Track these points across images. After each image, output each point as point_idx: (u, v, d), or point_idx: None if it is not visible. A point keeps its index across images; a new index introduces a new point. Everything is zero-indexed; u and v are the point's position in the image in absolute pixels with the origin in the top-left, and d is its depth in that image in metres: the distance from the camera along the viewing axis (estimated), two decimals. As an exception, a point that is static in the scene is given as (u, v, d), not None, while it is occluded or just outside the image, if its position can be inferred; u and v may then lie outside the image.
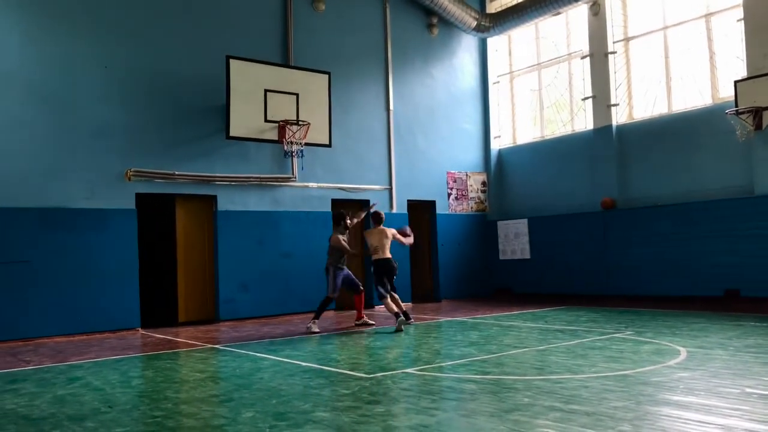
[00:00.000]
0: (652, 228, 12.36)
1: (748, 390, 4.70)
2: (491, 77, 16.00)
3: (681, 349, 6.59)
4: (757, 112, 10.75)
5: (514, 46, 15.96)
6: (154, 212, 11.96)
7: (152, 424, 4.34)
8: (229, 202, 11.72)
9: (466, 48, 15.75)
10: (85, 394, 5.43)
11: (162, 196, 11.28)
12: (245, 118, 11.20)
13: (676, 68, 12.71)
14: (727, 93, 11.69)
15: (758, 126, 10.80)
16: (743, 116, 10.89)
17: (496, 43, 16.07)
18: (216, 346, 8.39)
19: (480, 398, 4.83)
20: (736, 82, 11.09)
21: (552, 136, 14.95)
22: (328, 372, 6.11)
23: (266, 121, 11.40)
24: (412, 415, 4.29)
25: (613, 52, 13.45)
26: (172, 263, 11.53)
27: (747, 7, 11.20)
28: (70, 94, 10.29)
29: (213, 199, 11.66)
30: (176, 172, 11.10)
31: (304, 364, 6.59)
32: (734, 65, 11.72)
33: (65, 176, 10.14)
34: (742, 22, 11.30)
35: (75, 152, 10.25)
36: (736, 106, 10.97)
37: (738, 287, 11.08)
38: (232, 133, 11.09)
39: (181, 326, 11.00)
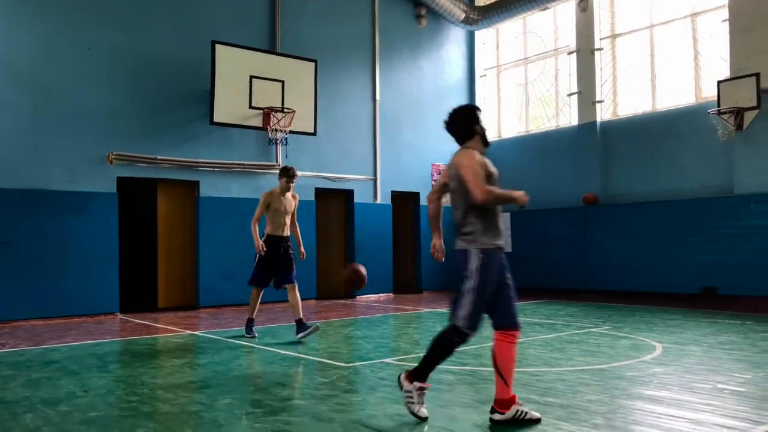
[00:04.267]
0: (633, 225, 12.48)
1: (720, 386, 4.78)
2: (478, 70, 16.01)
3: (657, 344, 6.68)
4: (738, 113, 10.86)
5: (502, 40, 15.97)
6: (136, 197, 11.86)
7: (127, 409, 4.32)
8: (211, 188, 11.65)
9: (454, 40, 15.73)
10: (60, 377, 5.39)
11: (144, 181, 11.18)
12: (230, 104, 11.12)
13: (661, 67, 12.80)
14: (710, 93, 11.80)
15: (739, 126, 10.92)
16: (725, 116, 11.00)
17: (484, 36, 16.07)
18: (195, 332, 8.35)
19: (457, 389, 4.86)
20: (719, 83, 11.19)
21: (537, 131, 15.00)
22: (307, 360, 6.12)
23: (251, 107, 11.33)
24: (389, 404, 4.31)
25: (600, 49, 13.51)
26: (153, 248, 11.45)
27: (732, 8, 11.29)
28: (53, 76, 10.15)
29: (195, 184, 11.58)
30: (158, 157, 11.00)
31: (283, 352, 6.58)
32: (718, 65, 11.82)
33: (46, 158, 10.01)
34: (727, 22, 11.39)
35: (57, 134, 10.12)
36: (719, 106, 11.07)
37: (715, 285, 11.23)
38: (216, 119, 11.01)
39: (160, 312, 10.94)
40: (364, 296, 13.44)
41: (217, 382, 5.13)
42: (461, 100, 15.81)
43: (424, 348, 6.93)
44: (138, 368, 5.83)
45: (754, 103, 10.69)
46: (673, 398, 4.40)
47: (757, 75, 10.67)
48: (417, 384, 3.89)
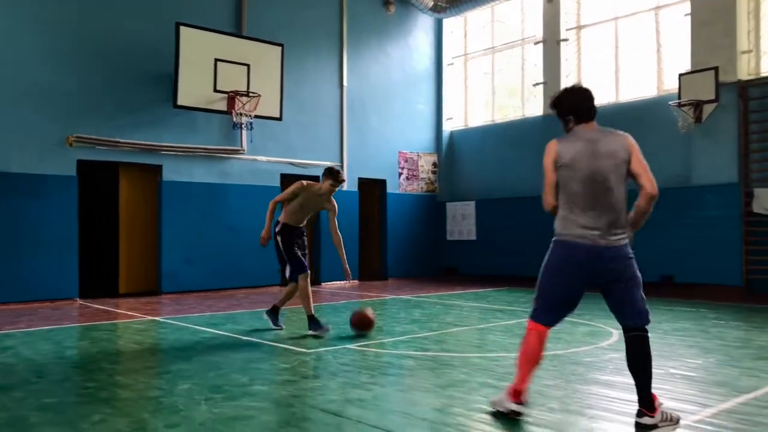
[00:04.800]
0: (595, 214, 12.67)
1: (672, 371, 4.92)
2: (446, 59, 16.03)
3: (614, 331, 6.83)
4: (698, 105, 11.10)
5: (470, 29, 16.01)
6: (97, 180, 11.62)
7: (84, 395, 4.26)
8: (174, 172, 11.48)
9: (422, 27, 15.72)
10: (15, 363, 5.28)
11: (105, 164, 10.96)
12: (194, 88, 10.95)
13: (624, 58, 12.99)
14: (671, 85, 12.02)
15: (698, 119, 11.17)
16: (685, 108, 11.23)
17: (452, 24, 16.09)
18: (156, 318, 8.26)
19: (417, 374, 4.91)
20: (680, 75, 11.41)
21: (503, 121, 15.12)
22: (269, 346, 6.11)
23: (215, 91, 11.18)
24: (350, 390, 4.34)
25: (565, 40, 13.64)
26: (114, 233, 11.26)
27: (694, 3, 11.50)
28: (12, 55, 9.85)
29: (158, 168, 11.40)
30: (120, 140, 10.79)
31: (245, 338, 6.56)
32: (679, 58, 12.04)
33: (4, 139, 9.74)
34: (689, 17, 11.59)
35: (15, 116, 9.84)
36: (679, 98, 11.30)
37: (673, 273, 11.51)
38: (179, 102, 10.84)
39: (121, 297, 10.78)
40: (328, 283, 13.44)
41: (177, 368, 5.09)
42: (429, 88, 15.84)
43: (387, 334, 6.99)
44: (96, 354, 5.75)
45: (712, 96, 10.94)
46: (626, 383, 4.50)
47: (716, 69, 10.92)
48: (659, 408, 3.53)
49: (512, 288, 12.33)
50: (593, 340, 6.33)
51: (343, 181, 6.83)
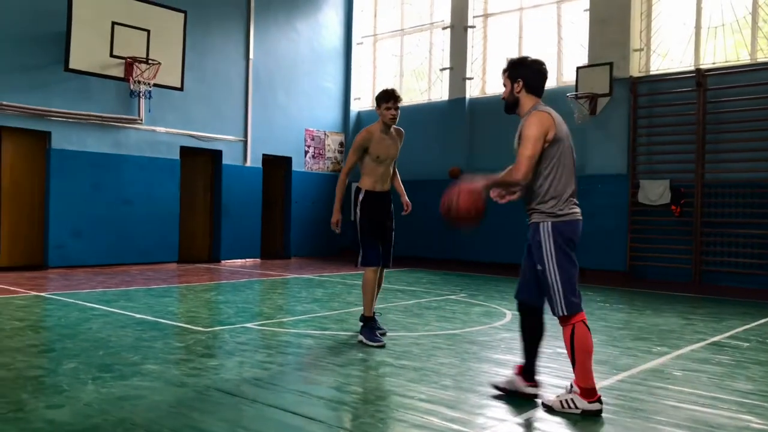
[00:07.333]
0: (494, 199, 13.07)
1: (559, 350, 5.17)
2: (355, 38, 15.95)
3: (507, 312, 7.10)
4: (593, 98, 11.65)
5: (380, 10, 15.98)
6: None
7: (-45, 375, 3.96)
8: (65, 140, 10.80)
9: (332, 5, 15.53)
10: None
11: (-15, 128, 10.16)
12: (88, 51, 10.30)
13: (527, 48, 13.40)
14: (570, 77, 12.54)
15: (593, 111, 11.73)
16: (581, 101, 11.76)
17: (361, 3, 15.99)
18: (41, 293, 7.79)
19: (316, 353, 4.91)
20: (578, 68, 11.92)
21: (410, 104, 15.22)
22: (164, 325, 5.90)
23: (112, 56, 10.57)
24: (246, 369, 4.28)
25: (473, 27, 13.90)
26: (-5, 203, 10.48)
27: (593, 0, 12.01)
28: None
29: (46, 135, 10.69)
30: (4, 102, 10.01)
31: (138, 315, 6.31)
32: (578, 52, 12.57)
33: None
34: (588, 13, 12.11)
35: None
36: (576, 90, 11.81)
37: (563, 258, 12.08)
38: (71, 66, 10.17)
39: (2, 271, 10.08)
40: (229, 261, 13.15)
41: (63, 346, 4.82)
42: (338, 66, 15.72)
43: (287, 313, 6.93)
44: (-29, 332, 5.35)
45: (606, 90, 11.51)
46: (516, 362, 4.70)
47: (611, 64, 11.48)
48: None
49: (414, 269, 12.55)
50: (487, 320, 6.56)
51: (400, 98, 5.46)
